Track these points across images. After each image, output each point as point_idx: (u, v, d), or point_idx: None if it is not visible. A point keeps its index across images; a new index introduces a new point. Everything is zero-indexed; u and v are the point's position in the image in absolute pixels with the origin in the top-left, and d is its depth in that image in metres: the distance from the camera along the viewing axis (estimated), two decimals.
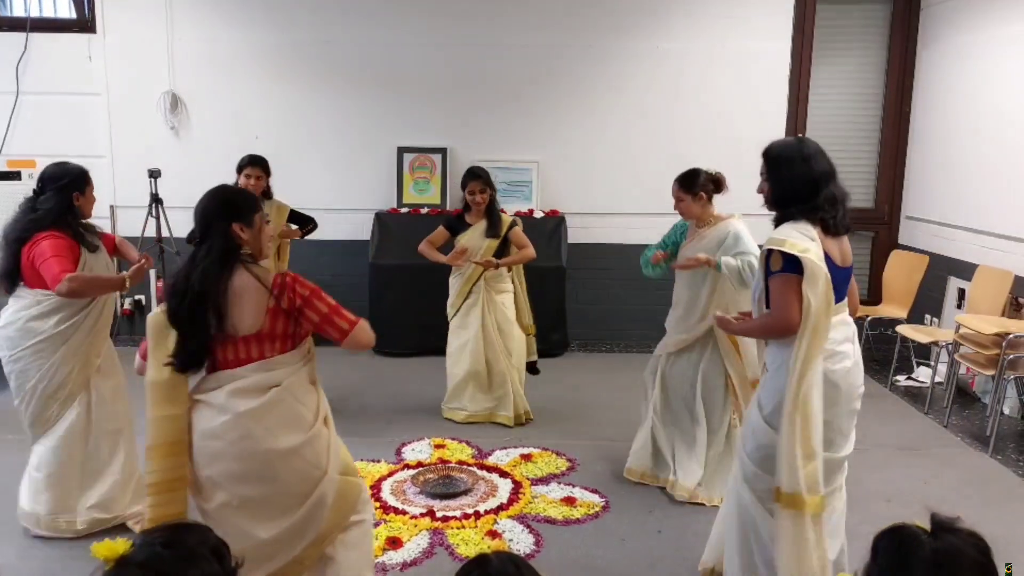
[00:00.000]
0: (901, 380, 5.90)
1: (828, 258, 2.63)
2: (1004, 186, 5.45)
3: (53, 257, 3.23)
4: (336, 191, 6.70)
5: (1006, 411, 5.09)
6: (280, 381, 2.39)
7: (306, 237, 5.24)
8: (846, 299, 2.78)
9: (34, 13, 6.53)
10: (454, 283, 5.04)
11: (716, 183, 3.98)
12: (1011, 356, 4.60)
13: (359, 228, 6.61)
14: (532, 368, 5.16)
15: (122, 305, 6.54)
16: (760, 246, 2.79)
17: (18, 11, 6.57)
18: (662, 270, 4.09)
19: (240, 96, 6.59)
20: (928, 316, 6.23)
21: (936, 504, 3.82)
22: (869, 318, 6.01)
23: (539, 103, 6.64)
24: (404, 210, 6.54)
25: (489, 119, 6.66)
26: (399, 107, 6.63)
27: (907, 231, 6.75)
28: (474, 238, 4.89)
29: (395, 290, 6.26)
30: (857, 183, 6.90)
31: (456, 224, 4.99)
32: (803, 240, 2.59)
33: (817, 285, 2.56)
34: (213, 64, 6.55)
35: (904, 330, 5.61)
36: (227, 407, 2.34)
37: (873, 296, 6.79)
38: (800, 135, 2.85)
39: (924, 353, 6.04)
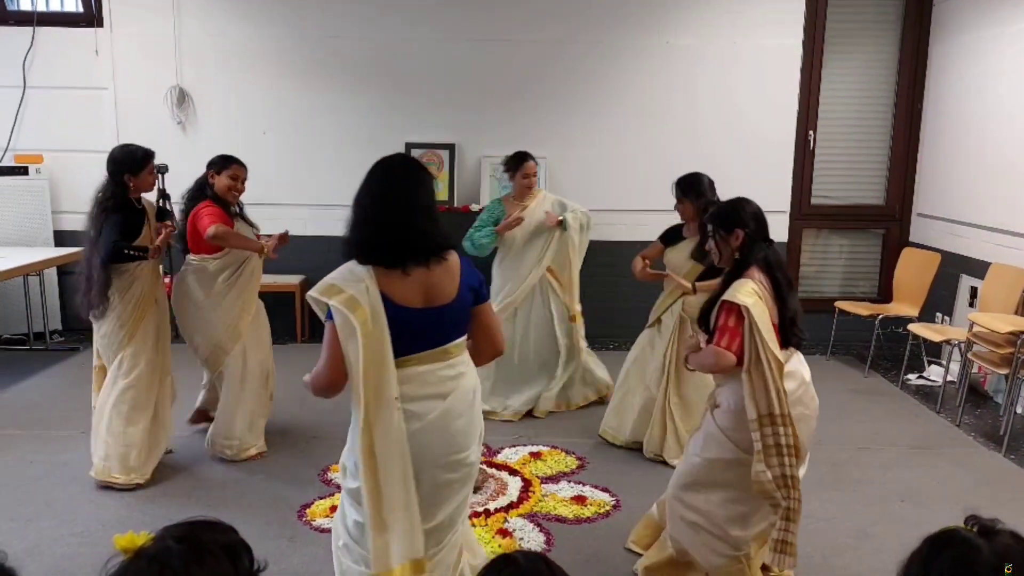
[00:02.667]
0: (912, 379, 5.86)
1: (391, 300, 2.25)
2: (1017, 183, 5.40)
3: (208, 218, 4.08)
4: (343, 187, 6.52)
5: (1019, 410, 5.04)
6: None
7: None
8: (447, 345, 2.34)
9: (41, 7, 6.52)
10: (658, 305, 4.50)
11: None
12: None
13: None
14: None
15: None
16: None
17: (25, 5, 6.55)
18: (493, 241, 4.98)
19: (247, 91, 6.57)
20: (940, 314, 6.18)
21: (950, 504, 3.80)
22: (880, 316, 5.97)
23: (547, 99, 6.60)
24: None
25: (497, 115, 6.62)
26: (406, 103, 6.60)
27: (918, 228, 6.70)
28: (677, 256, 4.28)
29: None
30: (868, 180, 6.86)
31: (671, 235, 4.37)
32: (347, 284, 2.25)
33: (354, 338, 2.19)
34: (220, 59, 6.53)
35: (915, 328, 5.57)
36: (804, 370, 2.87)
37: (884, 294, 6.75)
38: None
39: (935, 352, 6.00)
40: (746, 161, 6.56)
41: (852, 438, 4.72)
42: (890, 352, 6.32)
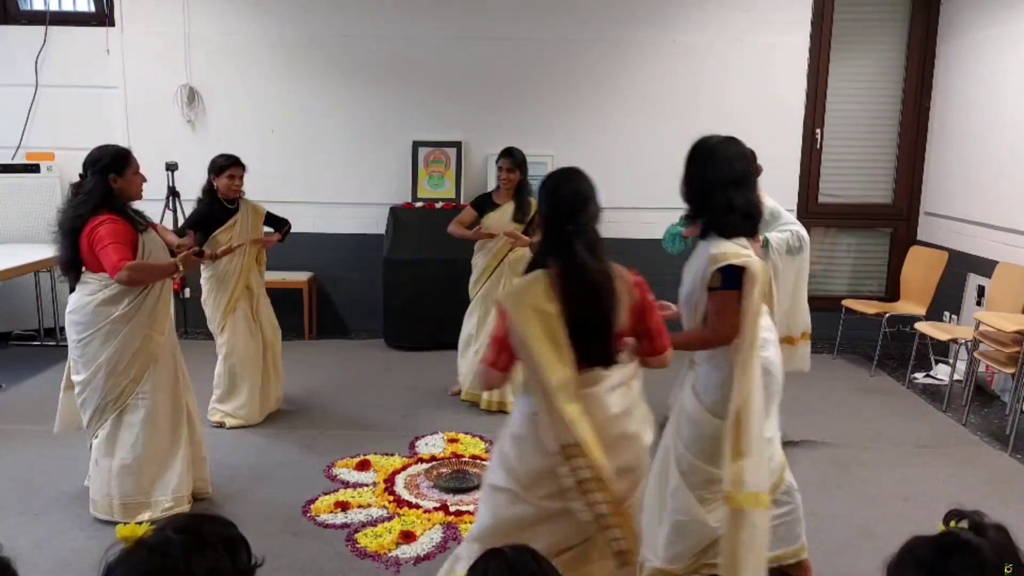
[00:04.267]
0: (919, 378, 5.85)
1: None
2: None
3: (111, 244, 3.28)
4: (351, 185, 6.71)
5: None
6: (634, 375, 2.43)
7: (285, 237, 5.04)
8: None
9: (53, 7, 6.58)
10: (478, 262, 5.05)
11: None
12: None
13: (374, 222, 6.61)
14: None
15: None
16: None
17: (38, 5, 6.61)
18: (686, 245, 4.19)
19: (256, 90, 6.61)
20: (947, 313, 6.16)
21: (954, 504, 3.80)
22: (887, 315, 5.96)
23: (554, 96, 6.62)
24: (419, 204, 6.53)
25: (504, 113, 6.64)
26: (414, 101, 6.63)
27: (926, 227, 6.68)
28: (499, 219, 4.92)
29: (409, 284, 6.27)
30: (875, 178, 6.85)
31: (484, 203, 5.03)
32: (741, 251, 2.64)
33: (754, 293, 2.61)
34: (230, 58, 6.57)
35: (923, 327, 5.56)
36: (610, 403, 2.33)
37: (891, 293, 6.73)
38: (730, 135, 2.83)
39: (942, 350, 5.98)
40: None
41: (857, 437, 4.71)
42: (897, 351, 6.30)
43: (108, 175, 3.36)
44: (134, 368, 3.45)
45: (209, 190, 4.68)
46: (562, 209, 2.37)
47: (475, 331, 5.08)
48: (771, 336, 2.92)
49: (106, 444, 3.53)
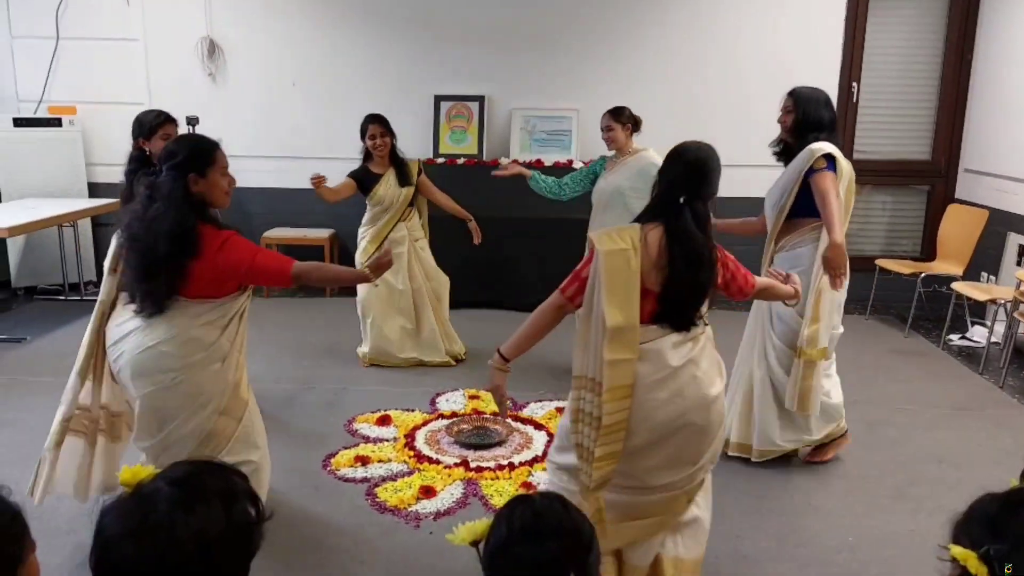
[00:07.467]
0: (954, 339, 5.69)
1: None
2: None
3: (256, 253, 2.69)
4: None
5: None
6: (705, 329, 2.47)
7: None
8: None
9: None
10: (366, 233, 4.91)
11: (635, 121, 4.52)
12: None
13: None
14: None
15: None
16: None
17: None
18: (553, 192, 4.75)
19: (277, 43, 6.50)
20: (985, 274, 5.97)
21: (990, 466, 3.68)
22: (923, 275, 5.78)
23: (580, 49, 6.44)
24: (440, 160, 6.40)
25: (528, 66, 6.48)
26: (436, 54, 6.49)
27: (965, 184, 6.46)
28: (389, 189, 4.79)
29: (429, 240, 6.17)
30: (913, 134, 6.61)
31: (363, 176, 4.81)
32: (836, 150, 3.46)
33: (843, 183, 3.47)
34: (250, 10, 6.46)
35: (960, 287, 5.38)
36: (673, 355, 2.36)
37: (927, 253, 6.54)
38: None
39: (978, 312, 5.81)
40: None
41: (890, 399, 4.59)
42: (932, 312, 6.13)
43: (187, 175, 2.62)
44: (225, 397, 2.79)
45: (139, 157, 3.58)
46: (683, 179, 2.40)
47: (385, 309, 4.94)
48: None
49: None
